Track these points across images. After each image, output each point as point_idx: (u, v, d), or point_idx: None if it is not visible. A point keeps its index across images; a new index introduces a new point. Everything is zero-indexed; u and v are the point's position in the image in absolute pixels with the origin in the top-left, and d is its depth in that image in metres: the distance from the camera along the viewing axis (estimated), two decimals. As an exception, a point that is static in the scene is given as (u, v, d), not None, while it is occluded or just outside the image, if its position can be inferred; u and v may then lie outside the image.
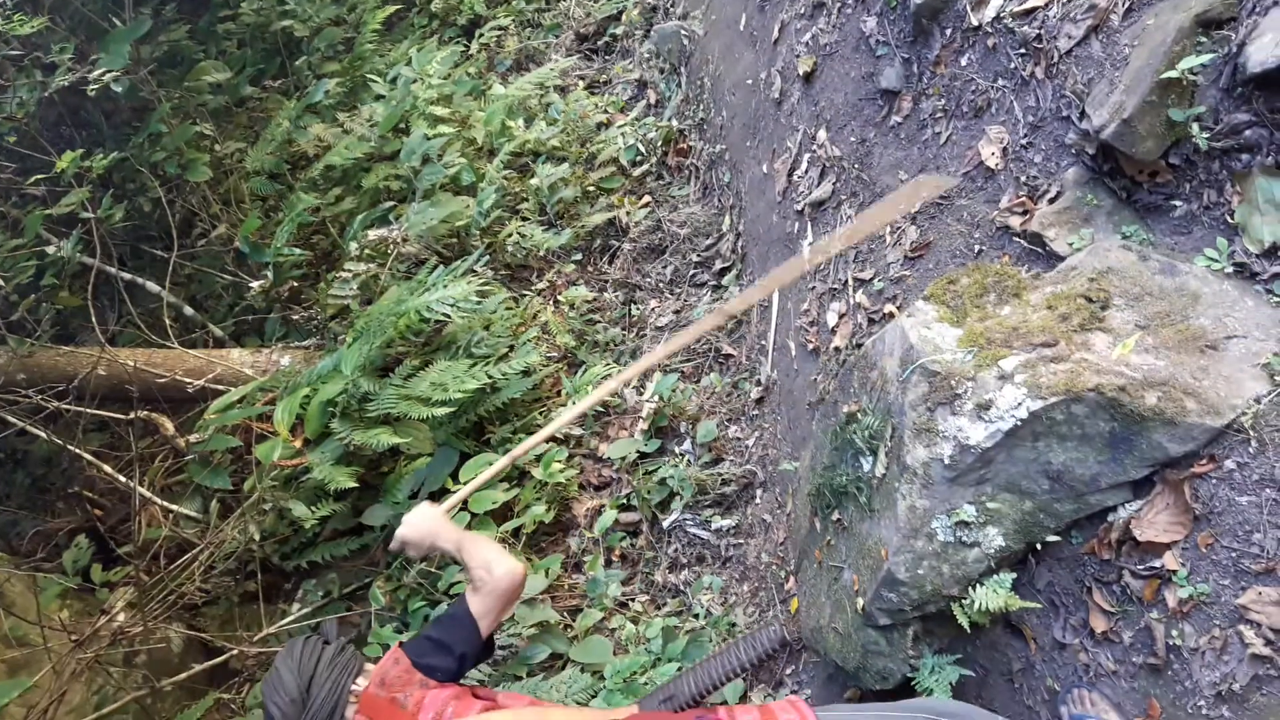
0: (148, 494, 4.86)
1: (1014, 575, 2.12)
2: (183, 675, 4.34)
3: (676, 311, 4.72)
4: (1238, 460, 1.84)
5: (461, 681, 2.09)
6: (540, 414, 4.41)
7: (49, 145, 5.87)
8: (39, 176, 5.44)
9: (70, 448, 5.02)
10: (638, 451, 4.11)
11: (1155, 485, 1.96)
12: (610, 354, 4.70)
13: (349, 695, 2.03)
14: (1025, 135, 2.61)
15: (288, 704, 1.99)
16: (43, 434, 4.98)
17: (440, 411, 4.00)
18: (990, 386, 2.04)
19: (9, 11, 5.20)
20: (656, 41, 5.69)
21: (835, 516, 2.58)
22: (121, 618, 4.32)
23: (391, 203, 5.65)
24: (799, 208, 3.75)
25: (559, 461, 4.06)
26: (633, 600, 3.74)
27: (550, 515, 3.96)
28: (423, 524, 2.26)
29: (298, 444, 4.22)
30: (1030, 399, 1.97)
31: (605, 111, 5.84)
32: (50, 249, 5.54)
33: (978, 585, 2.13)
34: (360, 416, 4.24)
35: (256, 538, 4.39)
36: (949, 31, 2.92)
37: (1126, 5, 2.35)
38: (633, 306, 4.88)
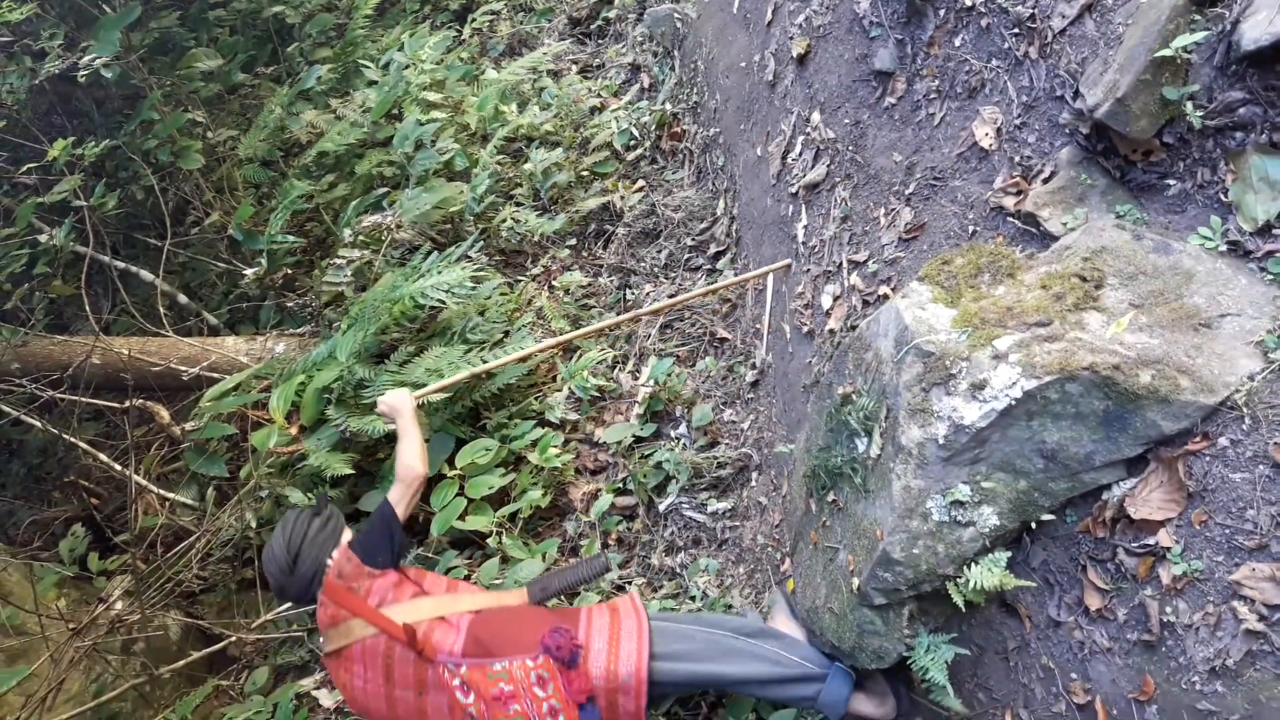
0: (144, 482, 4.86)
1: (1009, 554, 2.13)
2: (181, 663, 4.36)
3: (671, 295, 4.72)
4: (1231, 437, 1.85)
5: (399, 565, 2.67)
6: (535, 399, 4.41)
7: (40, 133, 5.84)
8: (30, 165, 5.42)
9: (66, 437, 5.01)
10: (633, 436, 4.12)
11: (1149, 463, 1.97)
12: (606, 338, 4.70)
13: (325, 565, 2.61)
14: (1019, 115, 2.61)
15: (278, 572, 2.60)
16: (38, 423, 4.98)
17: (436, 398, 4.00)
18: (984, 366, 2.05)
19: (-2, -1, 5.17)
20: (650, 25, 5.67)
21: (831, 498, 2.59)
22: (119, 606, 4.34)
23: (385, 189, 5.63)
24: (793, 190, 3.74)
25: (555, 446, 4.06)
26: (629, 584, 3.74)
27: (547, 500, 3.97)
28: (396, 400, 3.00)
29: (293, 431, 4.22)
30: (1024, 378, 1.98)
31: (599, 96, 5.81)
32: (43, 238, 5.52)
33: (973, 564, 2.14)
34: (356, 403, 4.24)
35: (253, 525, 4.39)
36: (942, 12, 2.91)
37: (1120, -17, 2.35)
38: (628, 291, 4.87)
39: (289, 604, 4.27)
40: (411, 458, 2.81)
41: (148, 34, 6.96)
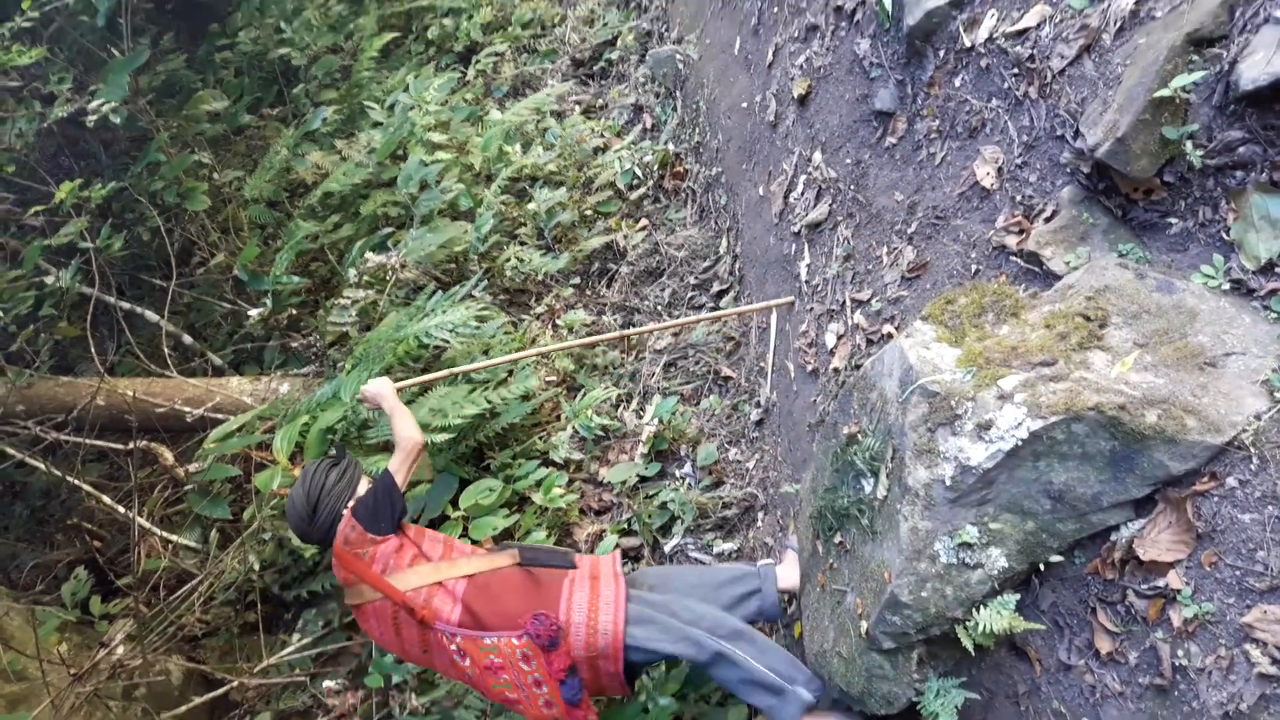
0: (147, 525, 4.84)
1: (1018, 596, 2.11)
2: (183, 708, 4.32)
3: (675, 334, 4.72)
4: (1239, 478, 1.83)
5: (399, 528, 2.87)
6: (540, 438, 4.40)
7: (48, 175, 5.90)
8: (38, 208, 5.46)
9: (69, 479, 5.01)
10: (638, 475, 4.10)
11: (1157, 504, 1.95)
12: (609, 377, 4.70)
13: (342, 515, 2.82)
14: (1020, 155, 2.62)
15: (299, 520, 2.84)
16: (42, 466, 4.97)
17: (440, 438, 3.99)
18: (990, 406, 2.04)
19: (7, 42, 5.23)
20: (652, 66, 5.73)
21: (838, 539, 2.57)
22: (121, 650, 4.30)
23: (390, 229, 5.67)
24: (796, 229, 3.76)
25: (559, 487, 4.05)
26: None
27: (551, 540, 3.94)
28: (378, 387, 3.21)
29: (297, 472, 4.20)
30: (1030, 418, 1.97)
31: (602, 136, 5.86)
32: (49, 279, 5.55)
33: (981, 607, 2.11)
34: (360, 444, 4.23)
35: (256, 567, 4.37)
36: (942, 53, 2.94)
37: (1118, 25, 2.36)
38: (632, 329, 4.88)
39: (292, 648, 4.26)
40: (408, 429, 2.99)
41: (155, 77, 7.04)
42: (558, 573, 2.87)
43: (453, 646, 2.72)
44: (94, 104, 5.46)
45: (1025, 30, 2.61)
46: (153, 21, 8.03)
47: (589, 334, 4.95)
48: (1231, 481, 1.84)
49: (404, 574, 2.75)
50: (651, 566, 3.55)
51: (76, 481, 5.07)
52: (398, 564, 2.77)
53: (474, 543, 3.65)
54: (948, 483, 2.07)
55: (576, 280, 5.24)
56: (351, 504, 2.85)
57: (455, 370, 3.91)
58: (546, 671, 2.68)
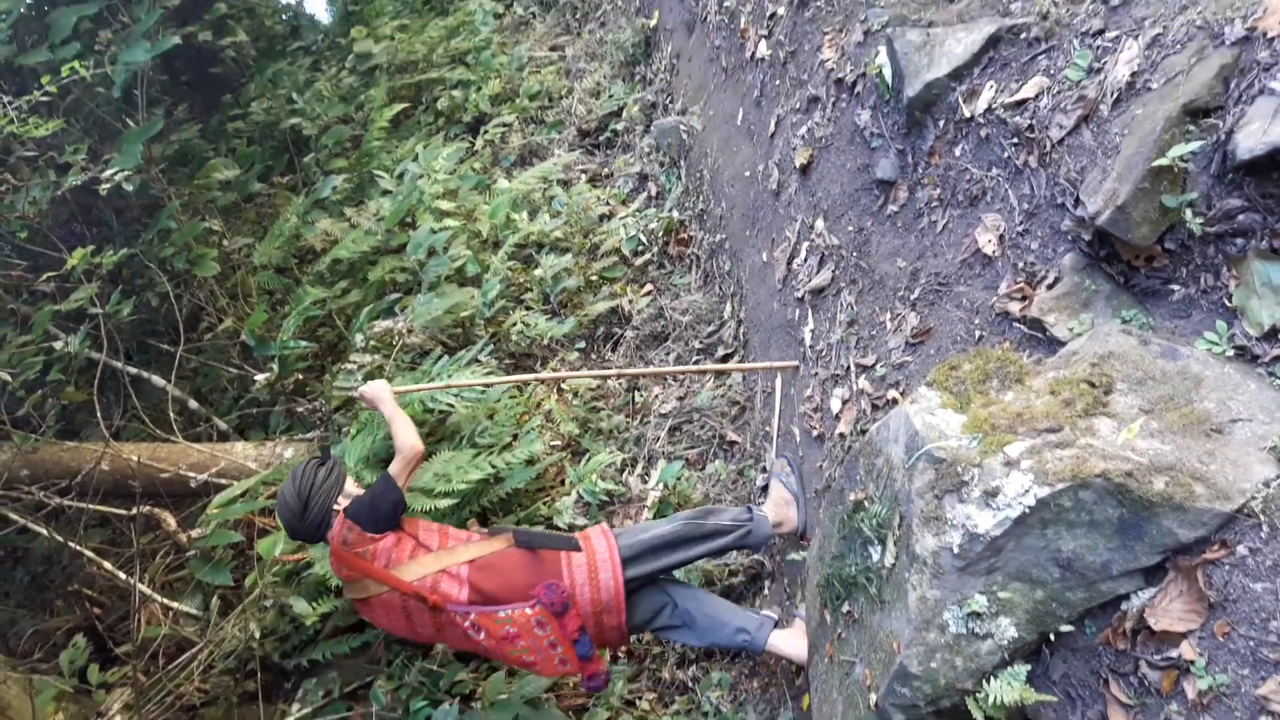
0: (148, 591, 4.80)
1: (1028, 667, 2.07)
2: (179, 780, 4.23)
3: (680, 398, 4.73)
4: (1250, 545, 1.81)
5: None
6: (544, 503, 4.38)
7: (60, 242, 5.97)
8: (49, 274, 5.52)
9: (71, 545, 4.98)
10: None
11: (1167, 572, 1.93)
12: (615, 440, 4.69)
13: (332, 512, 2.96)
14: (1021, 222, 2.64)
15: (291, 517, 2.94)
16: (44, 531, 4.95)
17: (444, 503, 3.97)
18: (997, 473, 2.03)
19: (25, 115, 5.35)
20: (656, 136, 5.82)
21: (845, 608, 2.54)
22: (117, 720, 4.23)
23: (397, 295, 5.72)
24: (799, 295, 3.78)
25: (564, 553, 4.01)
26: (640, 698, 3.65)
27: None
28: (376, 390, 3.31)
29: (300, 538, 4.18)
30: (1037, 485, 1.95)
31: (607, 203, 5.94)
32: (58, 344, 5.59)
33: (992, 678, 2.07)
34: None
35: (257, 635, 4.32)
36: (942, 123, 2.99)
37: (1115, 96, 2.41)
38: (636, 393, 4.88)
39: (292, 718, 4.19)
40: (408, 436, 3.08)
41: (168, 145, 7.19)
42: (553, 554, 3.04)
43: (466, 624, 2.88)
44: (108, 172, 5.56)
45: (1024, 101, 2.66)
46: (167, 92, 8.23)
47: (594, 398, 4.95)
48: (1242, 549, 1.82)
49: (407, 565, 2.91)
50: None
51: (78, 547, 5.04)
52: (399, 557, 2.92)
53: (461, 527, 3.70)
54: (956, 551, 2.05)
55: (582, 344, 5.26)
56: (344, 503, 3.00)
57: (452, 384, 4.06)
58: (560, 634, 2.90)
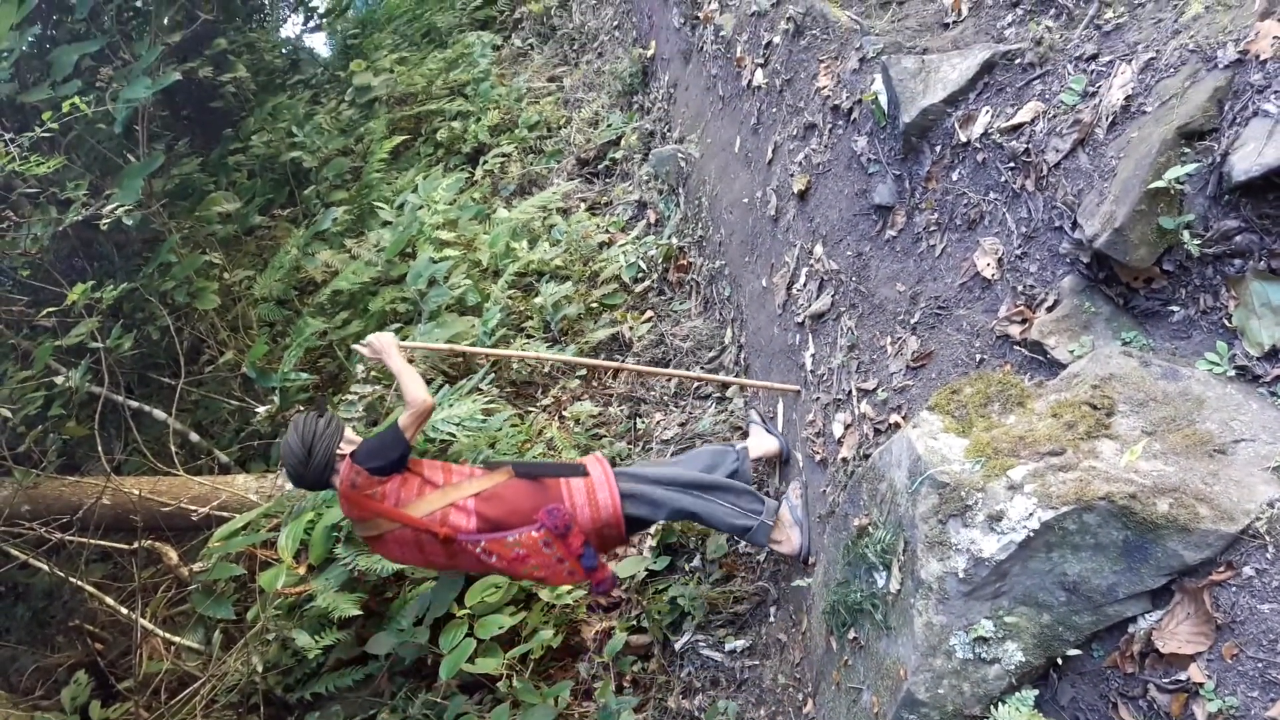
0: (149, 626, 4.78)
1: (1036, 692, 2.06)
2: (180, 818, 4.19)
3: (681, 424, 4.72)
4: (1256, 567, 1.80)
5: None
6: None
7: (61, 277, 5.99)
8: (50, 309, 5.54)
9: (72, 580, 4.96)
10: (647, 569, 4.05)
11: (1174, 594, 1.92)
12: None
13: (335, 458, 3.13)
14: (1019, 246, 2.65)
15: (296, 464, 3.10)
16: (45, 566, 4.93)
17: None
18: (1000, 497, 2.02)
19: (26, 152, 5.38)
20: (655, 164, 5.86)
21: (851, 635, 2.52)
22: (118, 758, 4.20)
23: (398, 324, 5.73)
24: (799, 320, 3.79)
25: (567, 582, 3.99)
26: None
27: (558, 640, 3.87)
28: (381, 343, 3.34)
29: (301, 570, 4.16)
30: (1041, 509, 1.95)
31: (607, 231, 5.96)
32: (59, 379, 5.60)
33: (1000, 704, 2.06)
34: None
35: (259, 669, 4.29)
36: (938, 148, 3.01)
37: (1110, 119, 2.42)
38: (638, 420, 4.87)
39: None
40: (418, 390, 3.14)
41: (169, 180, 7.22)
42: (553, 482, 3.26)
43: (478, 550, 3.08)
44: (109, 208, 5.59)
45: (1019, 126, 2.67)
46: (168, 127, 8.29)
47: (595, 425, 4.95)
48: (1248, 571, 1.81)
49: (416, 503, 3.09)
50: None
51: (79, 582, 5.02)
52: (408, 495, 3.10)
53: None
54: (961, 575, 2.05)
55: (583, 371, 5.26)
56: (346, 449, 3.17)
57: (460, 349, 4.07)
58: (566, 551, 3.10)
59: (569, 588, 3.98)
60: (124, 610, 4.97)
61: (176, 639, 4.79)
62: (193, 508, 5.09)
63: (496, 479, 3.22)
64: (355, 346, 3.45)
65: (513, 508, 3.13)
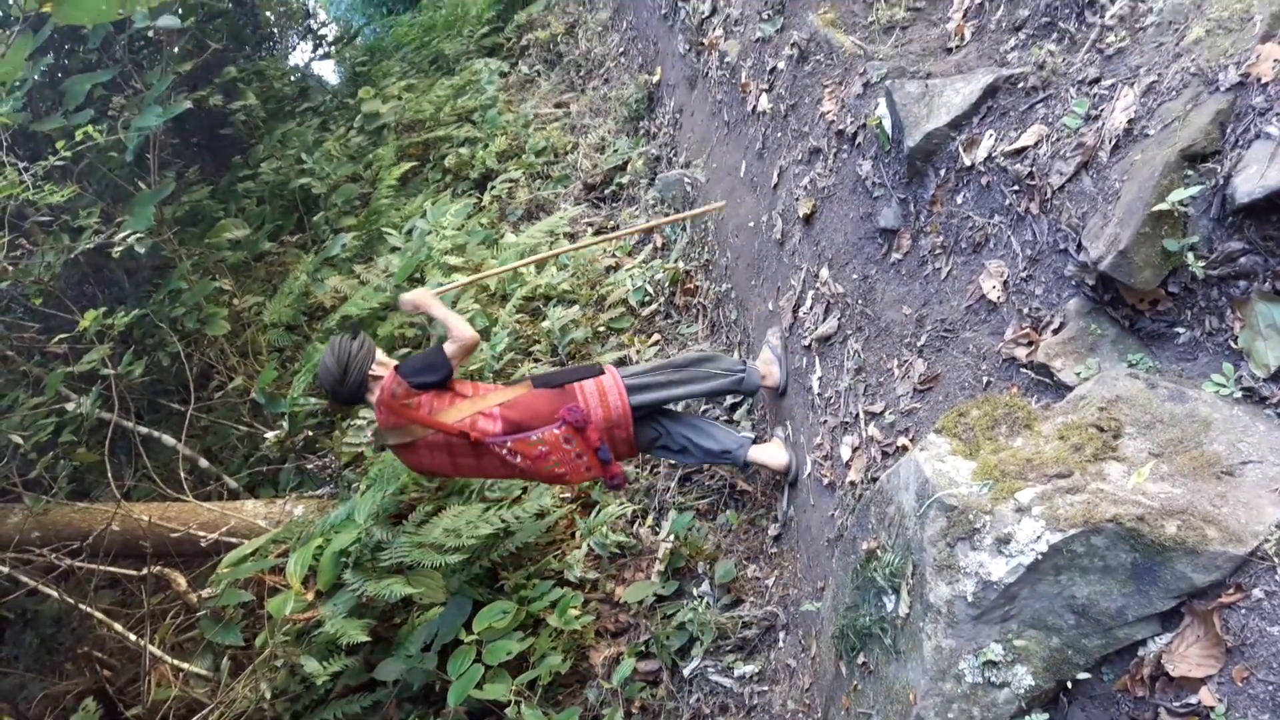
0: (158, 652, 4.77)
1: (1046, 716, 2.04)
2: (188, 846, 4.16)
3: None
4: (1265, 589, 1.80)
5: None
6: (554, 557, 4.36)
7: (72, 304, 6.03)
8: (62, 336, 5.57)
9: (82, 606, 4.96)
10: (655, 594, 4.04)
11: (1184, 617, 1.91)
12: (625, 492, 4.67)
13: (369, 378, 3.48)
14: (1025, 268, 2.66)
15: (333, 383, 3.46)
16: (54, 593, 4.93)
17: (453, 559, 3.96)
18: (1008, 520, 2.02)
19: (40, 181, 5.44)
20: (661, 189, 5.89)
21: (861, 659, 2.51)
22: (126, 785, 4.18)
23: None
24: (806, 343, 3.79)
25: (574, 608, 3.99)
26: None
27: (566, 665, 3.86)
28: (419, 296, 3.63)
29: (310, 597, 4.16)
30: (1049, 531, 1.95)
31: (614, 255, 5.99)
32: (70, 406, 5.62)
33: (1011, 728, 2.05)
34: (373, 566, 4.19)
35: (268, 696, 4.28)
36: (943, 171, 3.02)
37: (1113, 142, 2.44)
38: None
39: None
40: (464, 328, 3.47)
41: (180, 207, 7.28)
42: (569, 388, 3.62)
43: (504, 451, 3.46)
44: (120, 235, 5.63)
45: (1023, 149, 2.69)
46: (178, 155, 8.37)
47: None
48: (1258, 593, 1.81)
49: (448, 411, 3.45)
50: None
51: (88, 609, 5.02)
52: (440, 405, 3.46)
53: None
54: (970, 599, 2.04)
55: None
56: (378, 370, 3.50)
57: (485, 275, 4.63)
58: (584, 445, 3.52)
59: (578, 614, 3.97)
60: (132, 637, 4.96)
61: (185, 665, 4.78)
62: (202, 533, 5.10)
63: (519, 390, 3.61)
64: (400, 299, 3.72)
65: (535, 411, 3.51)
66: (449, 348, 3.45)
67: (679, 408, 4.18)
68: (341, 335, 3.56)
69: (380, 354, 3.58)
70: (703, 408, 4.75)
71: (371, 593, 4.02)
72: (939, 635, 2.10)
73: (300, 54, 14.99)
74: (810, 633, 3.38)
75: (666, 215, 5.44)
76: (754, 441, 3.92)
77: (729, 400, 4.81)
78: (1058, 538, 1.93)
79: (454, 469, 3.62)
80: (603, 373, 3.68)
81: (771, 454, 3.88)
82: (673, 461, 4.51)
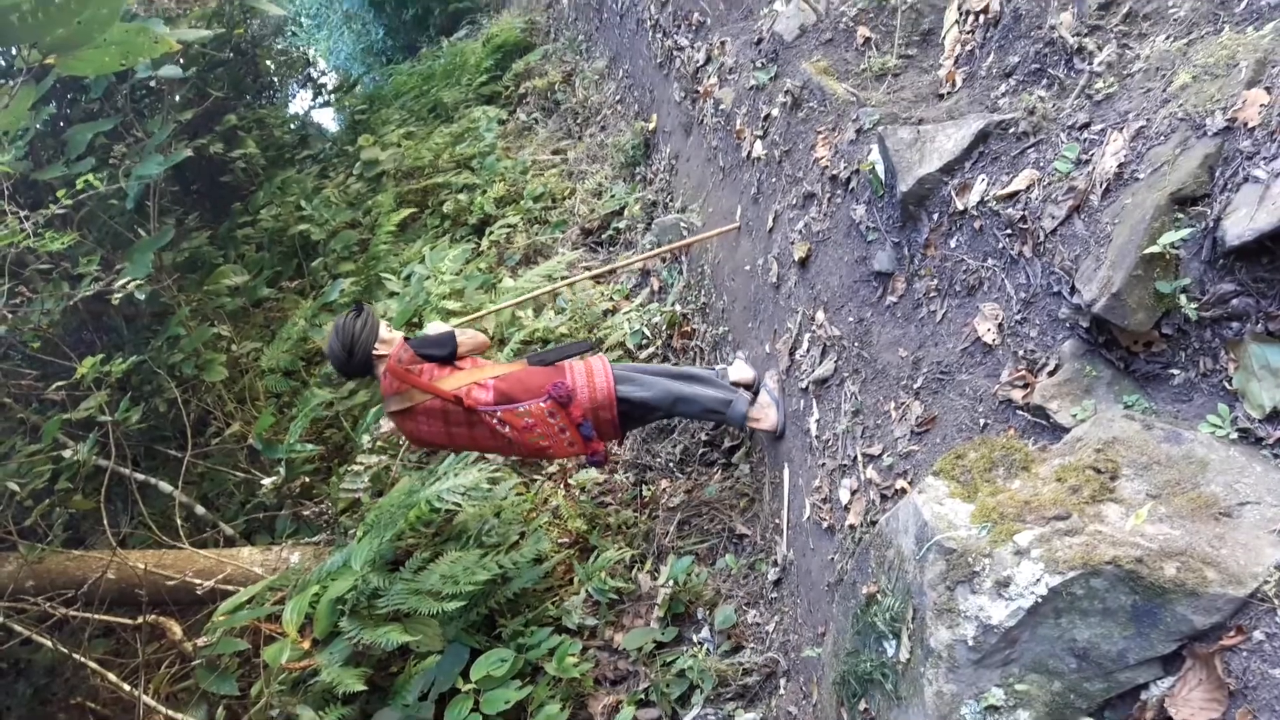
0: (152, 703, 4.71)
1: (1052, 763, 2.02)
2: None
3: (688, 491, 4.71)
4: (1266, 631, 1.79)
5: None
6: (552, 603, 4.33)
7: (70, 350, 6.04)
8: (59, 383, 5.57)
9: (75, 656, 4.91)
10: (654, 641, 4.00)
11: (1185, 660, 1.90)
12: (623, 536, 4.65)
13: (373, 355, 3.79)
14: (1019, 311, 2.68)
15: (341, 361, 3.78)
16: (48, 642, 4.89)
17: (451, 606, 3.93)
18: (1007, 563, 2.01)
19: (41, 229, 5.47)
20: (657, 233, 5.94)
21: (863, 706, 2.49)
22: (117, 840, 4.11)
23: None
24: (803, 385, 3.80)
25: (573, 655, 3.95)
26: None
27: (565, 714, 3.81)
28: (438, 328, 3.98)
29: (306, 645, 4.12)
30: (1048, 574, 1.94)
31: (611, 299, 6.02)
32: (66, 453, 5.61)
33: (1015, 775, 2.02)
34: (369, 614, 4.16)
35: (262, 747, 4.22)
36: (936, 216, 3.05)
37: (1104, 186, 2.47)
38: (644, 487, 4.86)
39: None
40: (474, 334, 3.96)
41: (179, 253, 7.32)
42: (559, 366, 3.89)
43: (494, 420, 3.73)
44: (120, 282, 5.66)
45: (1015, 193, 2.72)
46: (178, 202, 8.44)
47: (601, 492, 4.93)
48: (1259, 635, 1.80)
49: (446, 379, 3.74)
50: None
51: (82, 658, 4.97)
52: (440, 374, 3.76)
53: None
54: (970, 643, 2.03)
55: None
56: (380, 350, 3.79)
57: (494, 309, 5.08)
58: (568, 420, 3.76)
59: (576, 661, 3.93)
60: (126, 687, 4.91)
61: (179, 716, 4.72)
62: (197, 581, 5.07)
63: (514, 366, 3.90)
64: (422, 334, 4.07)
65: (525, 385, 3.77)
66: (461, 336, 3.85)
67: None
68: (346, 314, 3.84)
69: (384, 329, 3.86)
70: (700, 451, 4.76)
71: (368, 640, 3.98)
72: (940, 680, 2.09)
73: (300, 102, 15.18)
74: (812, 679, 3.35)
75: (671, 249, 5.53)
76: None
77: (727, 443, 4.81)
78: (1057, 580, 1.93)
79: (448, 438, 3.86)
80: (594, 350, 3.94)
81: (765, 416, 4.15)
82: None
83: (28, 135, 6.68)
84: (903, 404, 3.12)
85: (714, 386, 4.05)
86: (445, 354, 3.80)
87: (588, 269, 6.51)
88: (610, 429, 3.92)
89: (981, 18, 3.32)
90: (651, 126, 6.85)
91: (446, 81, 10.54)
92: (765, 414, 4.06)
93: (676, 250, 5.77)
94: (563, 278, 6.33)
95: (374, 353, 3.79)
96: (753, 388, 4.20)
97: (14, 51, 5.93)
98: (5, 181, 5.61)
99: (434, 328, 4.04)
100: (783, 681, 3.67)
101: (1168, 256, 2.21)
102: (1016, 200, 2.72)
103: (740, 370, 4.28)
